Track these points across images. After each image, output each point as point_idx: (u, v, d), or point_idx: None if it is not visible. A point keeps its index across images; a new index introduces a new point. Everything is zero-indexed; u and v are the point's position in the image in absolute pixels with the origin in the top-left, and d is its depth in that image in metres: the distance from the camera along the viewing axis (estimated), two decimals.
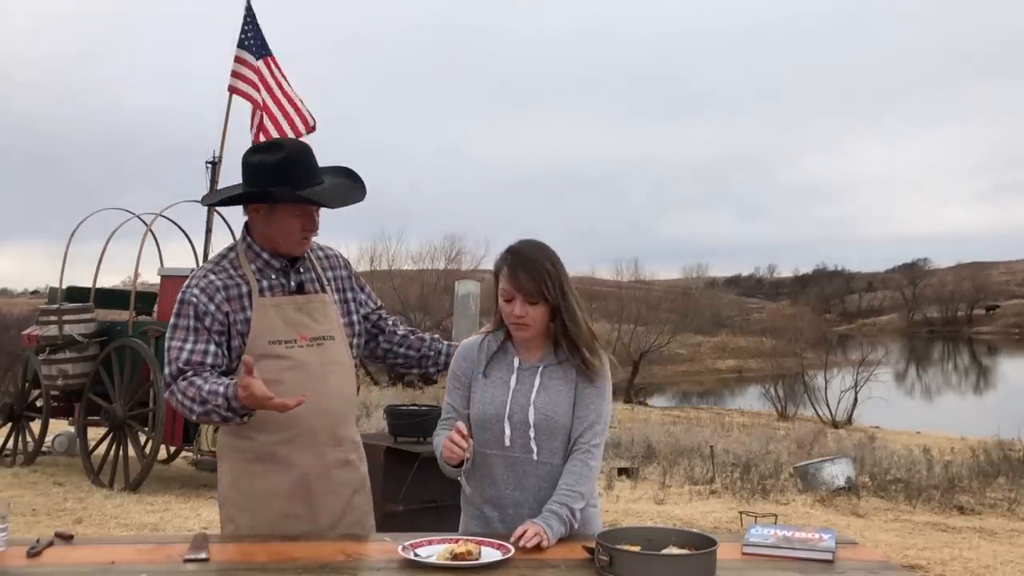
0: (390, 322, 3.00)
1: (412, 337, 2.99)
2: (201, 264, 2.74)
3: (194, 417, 2.54)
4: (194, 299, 2.59)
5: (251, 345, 2.60)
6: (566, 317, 2.50)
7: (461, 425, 2.44)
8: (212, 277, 2.63)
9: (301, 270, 2.73)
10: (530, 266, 2.47)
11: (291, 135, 9.53)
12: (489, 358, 2.60)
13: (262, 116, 9.46)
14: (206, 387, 2.49)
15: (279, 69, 9.70)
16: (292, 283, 2.70)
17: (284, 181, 2.59)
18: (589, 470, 2.50)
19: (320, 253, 2.82)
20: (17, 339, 12.07)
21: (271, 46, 9.69)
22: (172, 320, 2.61)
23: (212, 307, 2.59)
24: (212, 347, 2.58)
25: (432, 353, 2.98)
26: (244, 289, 2.63)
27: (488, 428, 2.53)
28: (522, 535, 2.32)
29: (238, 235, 2.80)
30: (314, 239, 2.75)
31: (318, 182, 2.65)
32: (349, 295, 2.86)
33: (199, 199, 10.01)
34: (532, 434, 2.50)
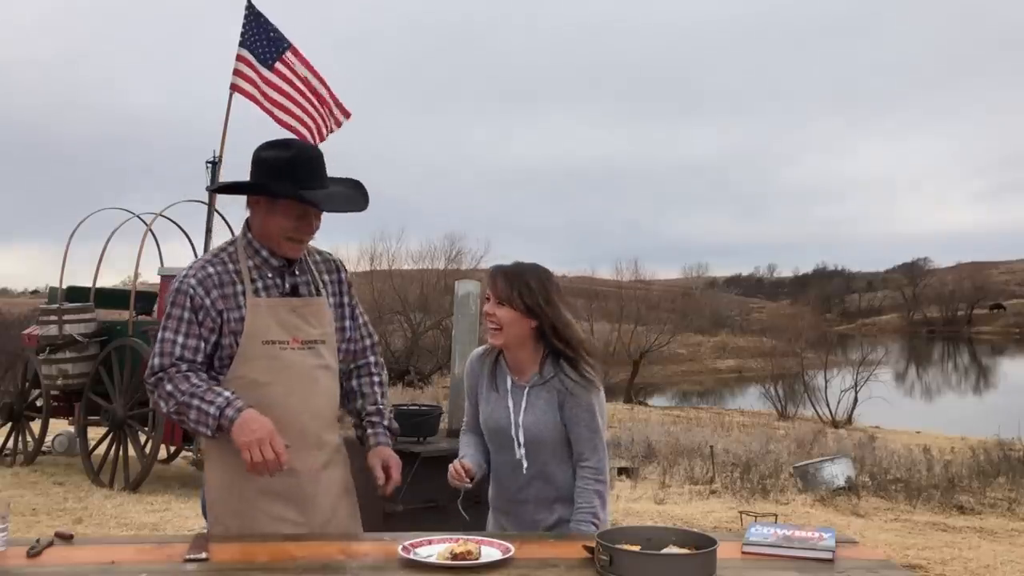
0: (373, 372, 2.91)
1: (361, 401, 2.88)
2: (199, 256, 2.72)
3: (172, 409, 2.53)
4: (191, 291, 2.58)
5: (245, 344, 2.60)
6: (557, 324, 2.69)
7: (466, 462, 2.74)
8: (211, 270, 2.62)
9: (296, 272, 2.72)
10: (508, 273, 2.73)
11: (324, 132, 9.58)
12: (488, 372, 2.84)
13: (298, 115, 9.46)
14: (203, 388, 2.52)
15: (303, 64, 9.62)
16: (287, 285, 2.70)
17: (288, 178, 2.59)
18: (598, 487, 2.70)
19: (317, 257, 2.81)
20: (17, 339, 12.07)
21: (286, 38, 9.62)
22: (168, 309, 2.60)
23: (208, 302, 2.58)
24: (202, 344, 2.58)
25: (362, 424, 2.87)
26: (239, 287, 2.62)
27: (493, 439, 2.83)
28: None
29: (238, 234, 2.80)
30: (311, 242, 2.74)
31: (321, 187, 2.65)
32: (344, 299, 2.85)
33: (203, 193, 10.04)
34: (523, 451, 2.74)
